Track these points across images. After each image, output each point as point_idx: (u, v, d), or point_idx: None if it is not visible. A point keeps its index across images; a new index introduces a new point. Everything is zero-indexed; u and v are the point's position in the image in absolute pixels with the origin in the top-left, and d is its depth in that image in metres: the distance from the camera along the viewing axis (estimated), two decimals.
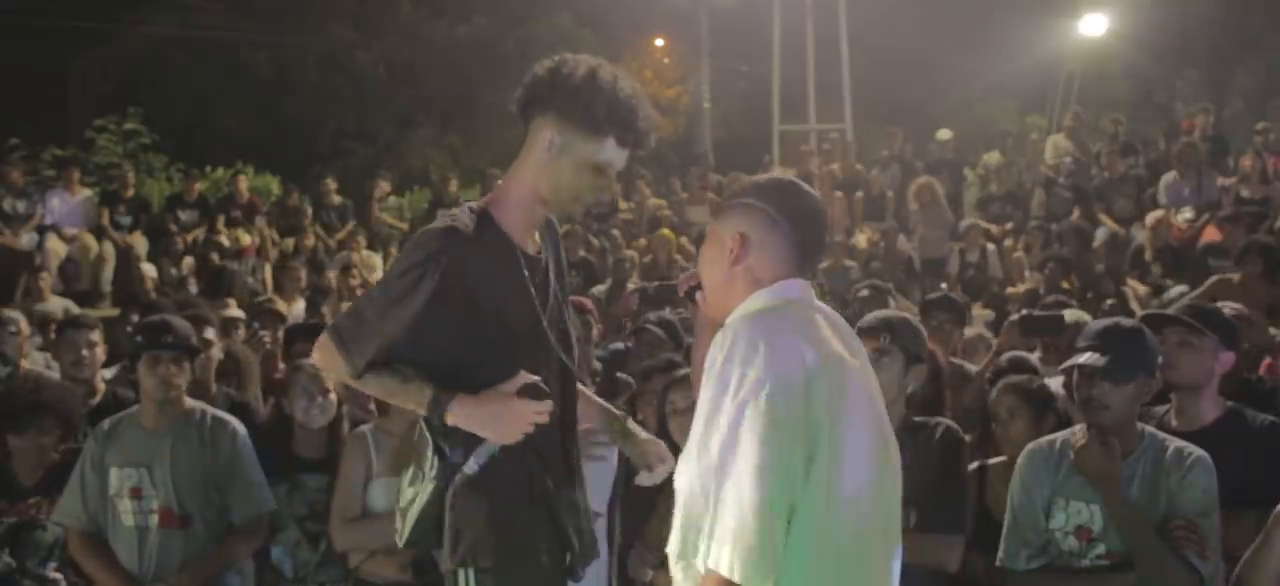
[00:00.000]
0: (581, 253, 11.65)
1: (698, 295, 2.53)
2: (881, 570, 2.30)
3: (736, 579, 2.09)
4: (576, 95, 2.54)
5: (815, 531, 2.14)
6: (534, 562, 2.60)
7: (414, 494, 2.63)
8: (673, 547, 2.25)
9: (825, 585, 2.17)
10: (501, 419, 2.50)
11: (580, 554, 2.70)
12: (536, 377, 2.53)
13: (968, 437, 4.11)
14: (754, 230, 2.30)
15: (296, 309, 9.23)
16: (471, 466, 2.54)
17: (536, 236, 2.71)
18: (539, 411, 2.51)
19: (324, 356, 2.61)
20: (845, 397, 2.18)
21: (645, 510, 3.63)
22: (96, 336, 4.89)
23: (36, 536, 3.94)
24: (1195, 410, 3.53)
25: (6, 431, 4.04)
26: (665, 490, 3.60)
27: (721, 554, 2.10)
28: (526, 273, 2.61)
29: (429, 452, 2.60)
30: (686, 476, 2.24)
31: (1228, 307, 4.57)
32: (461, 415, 2.49)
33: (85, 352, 4.74)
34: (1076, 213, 11.45)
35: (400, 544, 2.69)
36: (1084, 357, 3.15)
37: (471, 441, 2.55)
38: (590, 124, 2.54)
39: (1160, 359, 3.27)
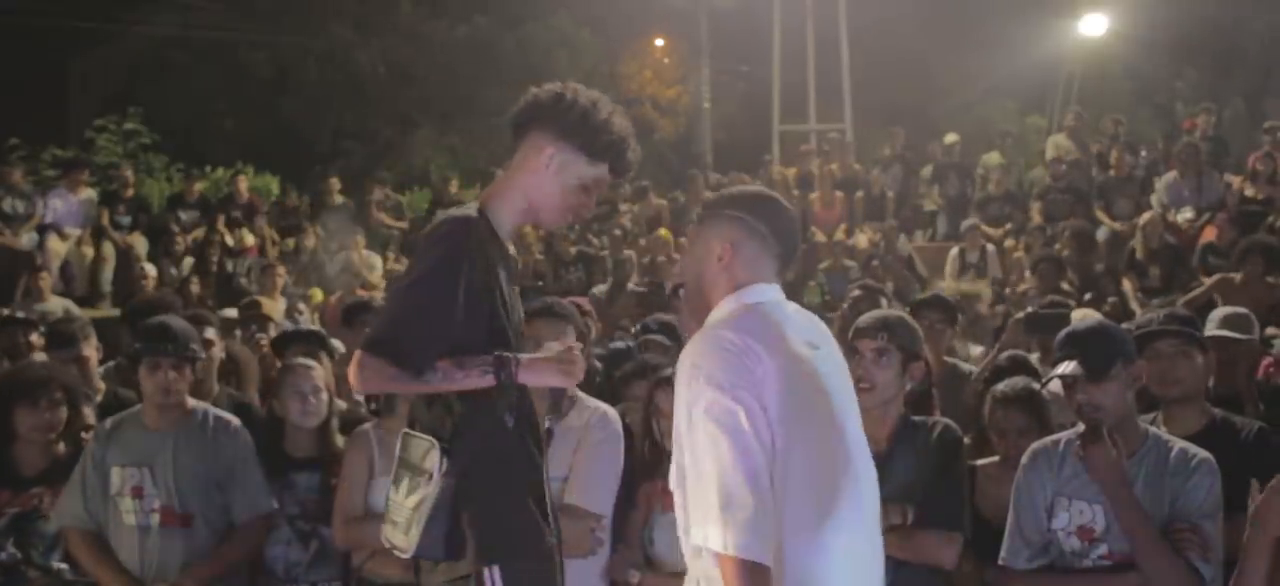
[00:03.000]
0: (574, 252, 11.65)
1: (681, 292, 2.67)
2: (858, 553, 2.44)
3: (736, 552, 2.25)
4: (583, 120, 2.72)
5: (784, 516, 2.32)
6: (546, 549, 2.69)
7: (419, 499, 2.61)
8: (682, 533, 2.43)
9: (807, 565, 2.33)
10: (565, 362, 2.68)
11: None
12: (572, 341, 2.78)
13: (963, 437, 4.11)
14: (743, 240, 2.51)
15: (277, 309, 9.22)
16: (509, 419, 2.63)
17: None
18: (578, 359, 2.71)
19: (368, 373, 2.57)
20: (798, 393, 2.36)
21: (625, 511, 3.63)
22: (88, 347, 4.90)
23: (40, 527, 3.94)
24: (1184, 418, 3.52)
25: (17, 403, 4.01)
26: (647, 493, 3.63)
27: (712, 534, 2.28)
28: (512, 273, 2.79)
29: (434, 454, 2.60)
30: (677, 473, 2.43)
31: (1227, 310, 4.60)
32: (529, 372, 2.63)
33: (73, 369, 4.75)
34: (1072, 215, 11.47)
35: (407, 555, 2.65)
36: (1060, 369, 3.18)
37: (475, 435, 2.61)
38: (591, 149, 2.73)
39: (1133, 348, 3.28)
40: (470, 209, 2.72)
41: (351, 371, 2.61)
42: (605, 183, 2.81)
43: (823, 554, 2.35)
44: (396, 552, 2.68)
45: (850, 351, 3.39)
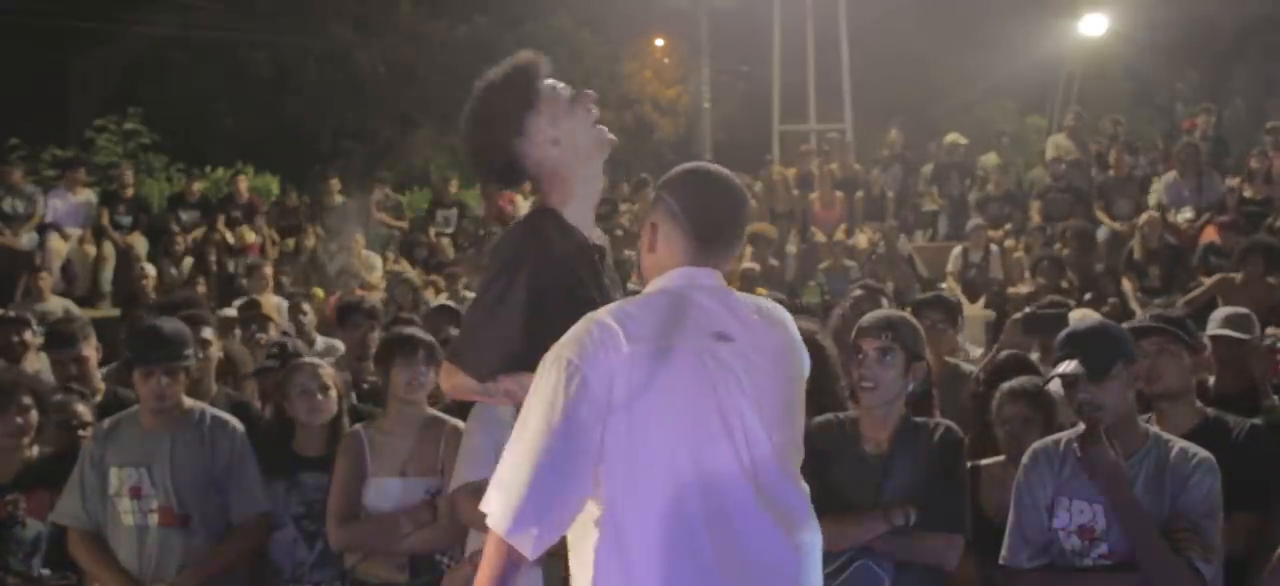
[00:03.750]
0: None
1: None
2: (718, 548, 2.25)
3: (502, 527, 2.16)
4: (523, 77, 2.71)
5: (613, 511, 2.21)
6: None
7: None
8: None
9: (626, 564, 2.21)
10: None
11: None
12: None
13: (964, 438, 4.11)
14: (661, 222, 2.40)
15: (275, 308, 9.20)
16: None
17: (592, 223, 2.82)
18: None
19: (445, 377, 2.73)
20: (653, 386, 2.21)
21: None
22: (87, 347, 4.90)
23: (16, 533, 3.94)
24: (1177, 418, 3.52)
25: None
26: None
27: (493, 498, 2.19)
28: (596, 263, 2.72)
29: None
30: None
31: (1229, 310, 4.60)
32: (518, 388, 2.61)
33: (72, 369, 4.76)
34: (1072, 216, 11.48)
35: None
36: (1061, 368, 3.18)
37: None
38: (545, 92, 2.70)
39: (1134, 348, 3.28)
40: (535, 216, 2.73)
41: (442, 377, 2.78)
42: (587, 95, 2.75)
43: (649, 533, 2.21)
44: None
45: (853, 350, 3.40)
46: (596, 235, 2.78)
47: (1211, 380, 4.55)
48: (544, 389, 2.22)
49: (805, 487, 2.42)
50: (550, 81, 2.74)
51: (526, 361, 2.44)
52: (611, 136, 2.78)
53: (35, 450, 4.13)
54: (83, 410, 4.30)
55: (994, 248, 11.33)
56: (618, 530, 2.22)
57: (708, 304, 2.34)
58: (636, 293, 2.48)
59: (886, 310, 3.55)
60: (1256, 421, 3.61)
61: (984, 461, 3.92)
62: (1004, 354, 4.71)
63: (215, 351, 5.07)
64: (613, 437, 2.20)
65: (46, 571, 3.91)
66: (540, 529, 2.16)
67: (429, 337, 4.03)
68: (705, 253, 2.38)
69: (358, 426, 3.96)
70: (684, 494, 2.23)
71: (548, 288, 2.55)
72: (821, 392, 3.80)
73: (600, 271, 2.71)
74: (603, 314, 2.29)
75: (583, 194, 2.74)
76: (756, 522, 2.28)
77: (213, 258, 11.23)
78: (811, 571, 2.36)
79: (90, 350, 5.00)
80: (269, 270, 10.21)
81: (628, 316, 2.27)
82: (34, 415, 4.07)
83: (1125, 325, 3.71)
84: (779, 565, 2.30)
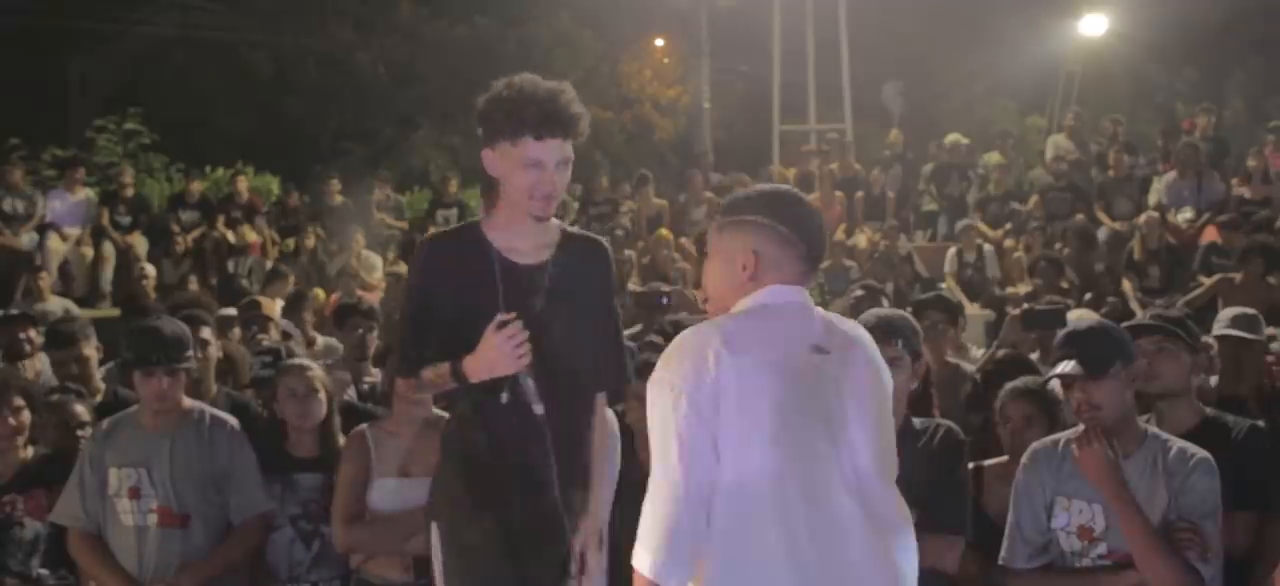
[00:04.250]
0: None
1: (664, 301, 2.71)
2: (811, 566, 2.30)
3: (650, 575, 2.27)
4: (487, 116, 2.86)
5: (721, 521, 2.28)
6: (479, 528, 2.88)
7: None
8: None
9: (724, 570, 2.28)
10: (501, 350, 2.77)
11: (534, 535, 2.90)
12: (509, 315, 2.80)
13: (965, 439, 4.11)
14: (767, 247, 2.42)
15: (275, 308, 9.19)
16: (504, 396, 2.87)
17: (550, 248, 2.97)
18: (515, 335, 2.77)
19: (399, 385, 3.21)
20: (760, 397, 2.29)
21: (624, 512, 3.62)
22: (88, 347, 4.90)
23: (15, 534, 3.94)
24: (1176, 418, 3.51)
25: None
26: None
27: (640, 554, 2.29)
28: (499, 274, 2.90)
29: None
30: None
31: (1237, 310, 4.59)
32: (473, 367, 2.81)
33: (74, 369, 4.76)
34: (1072, 215, 11.48)
35: None
36: (1059, 368, 3.17)
37: (461, 418, 2.98)
38: (505, 130, 2.82)
39: (1133, 348, 3.27)
40: (452, 227, 3.21)
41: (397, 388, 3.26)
42: (547, 152, 2.82)
43: (759, 546, 2.28)
44: None
45: None
46: (535, 255, 2.94)
47: (1213, 381, 4.56)
48: (658, 421, 2.31)
49: (902, 501, 2.48)
50: (541, 143, 2.80)
51: (409, 367, 2.93)
52: (544, 203, 2.86)
53: (31, 450, 4.13)
54: (80, 410, 4.30)
55: (990, 248, 11.33)
56: (726, 540, 2.27)
57: (804, 318, 2.43)
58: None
59: (886, 311, 3.52)
60: (1257, 421, 3.61)
61: (987, 462, 3.92)
62: (1002, 352, 4.71)
63: (215, 351, 5.07)
64: (728, 444, 2.27)
65: (45, 572, 3.91)
66: (686, 566, 2.26)
67: None
68: (811, 271, 2.48)
69: (364, 427, 3.95)
70: (790, 505, 2.28)
71: (437, 305, 2.89)
72: None
73: (505, 285, 2.89)
74: (708, 329, 2.36)
75: (508, 219, 2.93)
76: (860, 535, 2.34)
77: (211, 255, 11.21)
78: (909, 582, 2.44)
79: (91, 350, 5.00)
80: (291, 276, 10.20)
81: (732, 331, 2.34)
82: (26, 415, 4.08)
83: (1124, 324, 3.70)
84: (875, 572, 2.36)
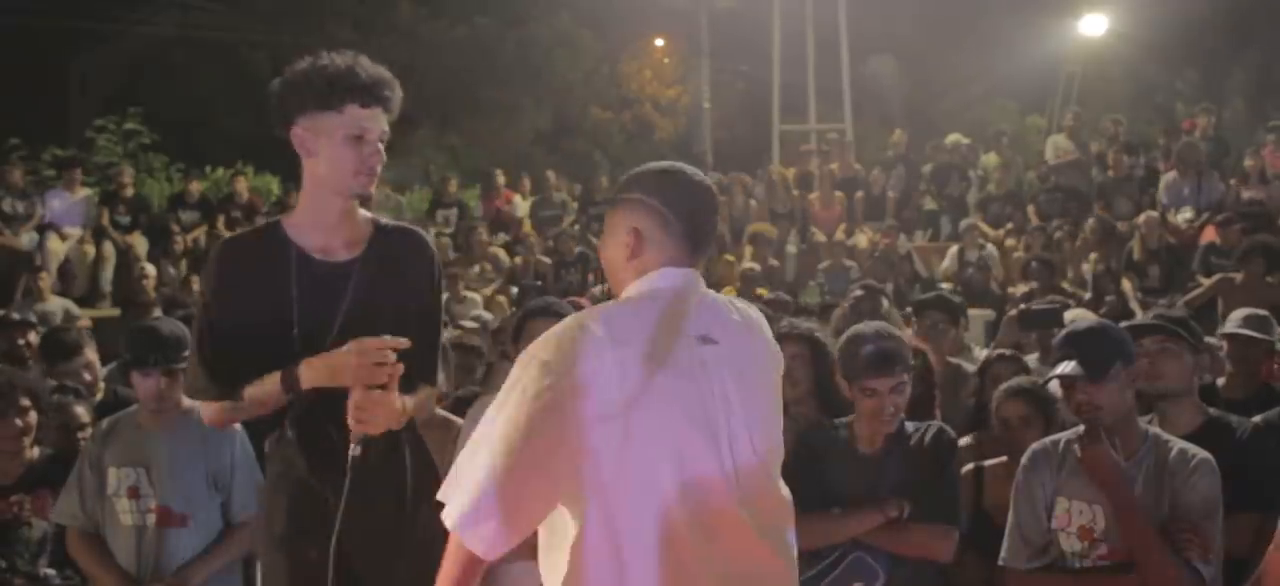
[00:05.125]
0: (576, 251, 11.66)
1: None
2: (699, 559, 2.19)
3: (451, 524, 2.15)
4: (306, 82, 2.64)
5: (599, 519, 2.15)
6: (294, 553, 2.68)
7: None
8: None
9: (616, 568, 2.16)
10: (350, 364, 2.56)
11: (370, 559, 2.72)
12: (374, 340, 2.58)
13: (966, 439, 4.11)
14: (646, 225, 2.31)
15: None
16: (289, 432, 2.68)
17: (361, 244, 2.77)
18: (380, 348, 2.56)
19: (205, 410, 2.75)
20: (643, 392, 2.16)
21: None
22: (90, 350, 4.90)
23: (22, 534, 3.95)
24: (1178, 418, 3.51)
25: None
26: None
27: (447, 494, 2.17)
28: (294, 277, 2.69)
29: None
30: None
31: (1248, 310, 4.58)
32: (311, 374, 2.59)
33: (87, 377, 4.76)
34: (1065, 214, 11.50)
35: None
36: (1059, 369, 3.16)
37: (280, 439, 2.74)
38: (323, 100, 2.63)
39: (1133, 349, 3.26)
40: (252, 227, 2.91)
41: (204, 414, 2.79)
42: (372, 122, 2.67)
43: (647, 546, 2.16)
44: None
45: (863, 391, 3.35)
46: (343, 250, 2.75)
47: (1218, 381, 4.55)
48: (515, 389, 2.17)
49: (788, 492, 2.39)
50: (365, 111, 2.66)
51: (203, 391, 2.68)
52: (366, 178, 2.68)
53: (37, 451, 4.13)
54: (81, 412, 4.30)
55: (991, 248, 11.33)
56: (603, 538, 2.16)
57: (693, 306, 2.30)
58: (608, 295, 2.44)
59: (885, 338, 3.39)
60: (1258, 421, 3.61)
61: (987, 462, 3.92)
62: (996, 351, 4.71)
63: None
64: (603, 444, 2.14)
65: (51, 571, 3.91)
66: (494, 529, 2.12)
67: None
68: (694, 254, 2.34)
69: None
70: (669, 502, 2.17)
71: (224, 316, 2.66)
72: (824, 390, 3.81)
73: (300, 282, 2.69)
74: (589, 317, 2.23)
75: (317, 205, 2.74)
76: (738, 532, 2.24)
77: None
78: (792, 579, 2.34)
79: (92, 353, 5.00)
80: None
81: (614, 319, 2.22)
82: (33, 416, 4.08)
83: (1125, 324, 3.70)
84: (760, 576, 2.28)
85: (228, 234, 11.51)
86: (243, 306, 2.67)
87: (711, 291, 2.39)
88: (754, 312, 2.44)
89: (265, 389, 2.63)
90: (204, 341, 2.70)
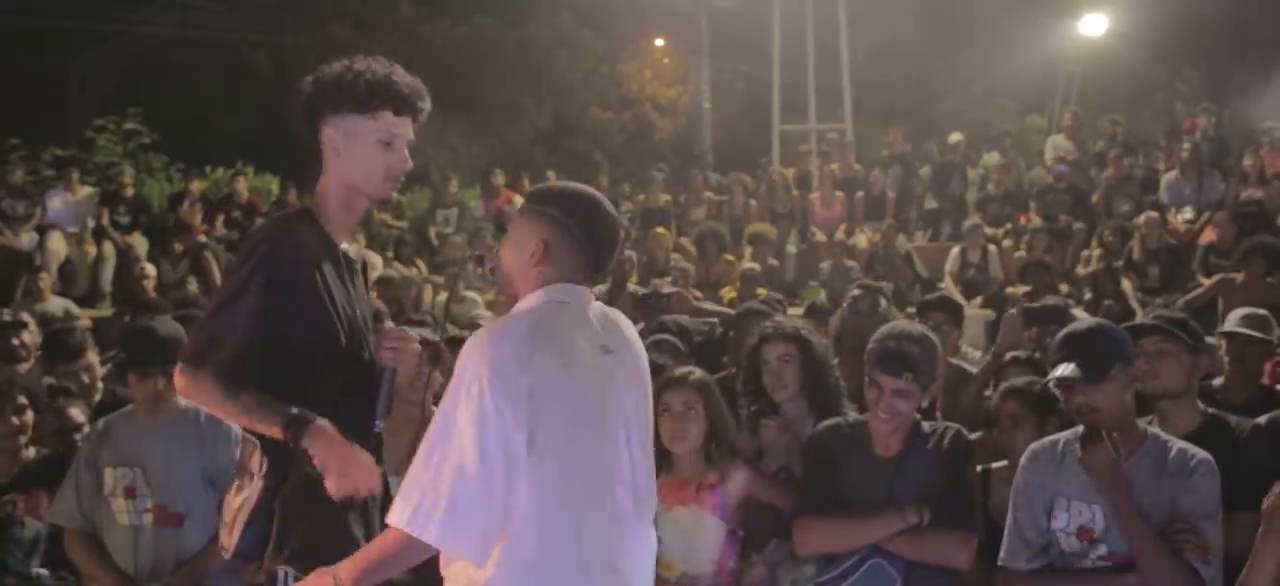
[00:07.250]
0: None
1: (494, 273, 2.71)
2: (608, 556, 2.45)
3: (433, 541, 2.28)
4: (339, 86, 2.70)
5: (521, 523, 2.33)
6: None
7: (242, 500, 2.66)
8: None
9: (547, 566, 2.36)
10: (347, 473, 2.52)
11: None
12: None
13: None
14: (556, 241, 2.49)
15: None
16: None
17: (354, 238, 2.88)
18: (372, 481, 2.58)
19: (193, 390, 2.59)
20: (563, 402, 2.36)
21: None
22: (90, 352, 4.89)
23: (16, 534, 3.96)
24: (1178, 418, 3.50)
25: None
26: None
27: (398, 510, 2.30)
28: (344, 270, 2.75)
29: (257, 456, 2.65)
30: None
31: (1248, 309, 4.57)
32: (318, 447, 2.49)
33: (87, 379, 4.76)
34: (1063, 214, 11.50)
35: (229, 555, 2.69)
36: (1059, 370, 3.16)
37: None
38: (359, 104, 2.69)
39: (1133, 350, 3.26)
40: (293, 210, 2.81)
41: (178, 384, 2.63)
42: (402, 129, 2.74)
43: (575, 555, 2.39)
44: (224, 552, 2.72)
45: (869, 382, 3.35)
46: (354, 247, 2.85)
47: (1217, 381, 4.54)
48: (461, 407, 2.30)
49: (654, 476, 2.64)
50: (397, 119, 2.72)
51: (239, 373, 2.50)
52: (391, 183, 2.76)
53: (32, 451, 4.13)
54: (77, 412, 4.30)
55: (992, 248, 11.33)
56: (524, 541, 2.34)
57: (593, 319, 2.52)
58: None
59: (904, 337, 3.34)
60: (1258, 421, 3.60)
61: (993, 465, 3.91)
62: (1007, 354, 4.70)
63: None
64: (531, 453, 2.31)
65: (44, 572, 3.91)
66: (440, 525, 2.26)
67: (433, 336, 4.05)
68: (590, 278, 2.54)
69: None
70: (583, 505, 2.40)
71: (280, 301, 2.57)
72: (817, 389, 3.80)
73: (348, 284, 2.74)
74: (514, 326, 2.37)
75: (341, 204, 2.77)
76: (638, 529, 2.54)
77: (207, 256, 11.20)
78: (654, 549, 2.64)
79: (93, 354, 5.00)
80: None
81: (536, 331, 2.37)
82: (29, 415, 4.09)
83: (1125, 325, 3.70)
84: (650, 568, 2.61)
85: (225, 233, 11.58)
86: (299, 300, 2.61)
87: (599, 303, 2.60)
88: (627, 322, 2.67)
89: (266, 414, 2.52)
90: (242, 323, 2.54)
